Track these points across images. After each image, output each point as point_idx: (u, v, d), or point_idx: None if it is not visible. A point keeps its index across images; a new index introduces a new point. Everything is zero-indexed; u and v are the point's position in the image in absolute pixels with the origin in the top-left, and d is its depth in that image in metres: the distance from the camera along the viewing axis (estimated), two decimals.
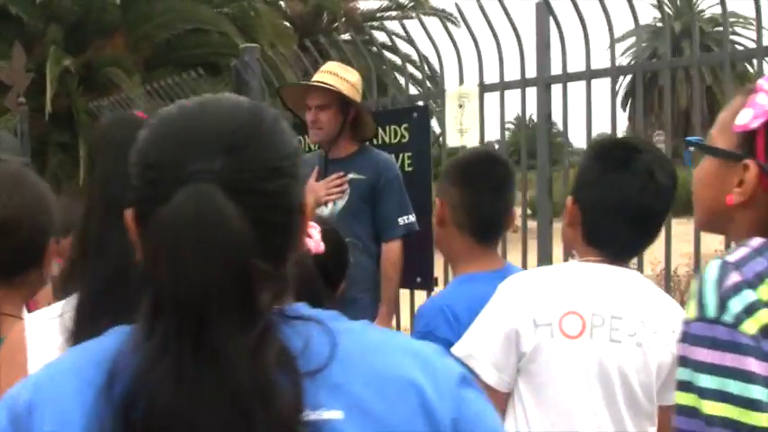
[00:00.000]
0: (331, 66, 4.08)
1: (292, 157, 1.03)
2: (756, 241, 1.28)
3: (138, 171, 0.99)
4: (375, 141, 4.66)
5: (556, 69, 3.83)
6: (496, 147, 4.46)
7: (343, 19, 24.61)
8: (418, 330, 2.19)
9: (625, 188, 1.95)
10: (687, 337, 1.26)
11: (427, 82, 4.46)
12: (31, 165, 10.54)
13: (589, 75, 3.69)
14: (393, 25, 24.05)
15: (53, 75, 12.83)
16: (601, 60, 3.69)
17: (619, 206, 1.96)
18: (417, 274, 4.25)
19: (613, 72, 3.63)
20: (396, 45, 5.32)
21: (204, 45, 14.08)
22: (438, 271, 4.32)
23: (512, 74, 4.07)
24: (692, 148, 1.52)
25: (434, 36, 4.52)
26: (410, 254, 4.09)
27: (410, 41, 4.89)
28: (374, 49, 5.52)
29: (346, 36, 19.23)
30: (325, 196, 3.91)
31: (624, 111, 39.17)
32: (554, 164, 4.95)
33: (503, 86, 4.13)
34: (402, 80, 7.23)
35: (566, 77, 3.77)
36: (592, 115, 3.66)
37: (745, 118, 1.34)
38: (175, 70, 10.97)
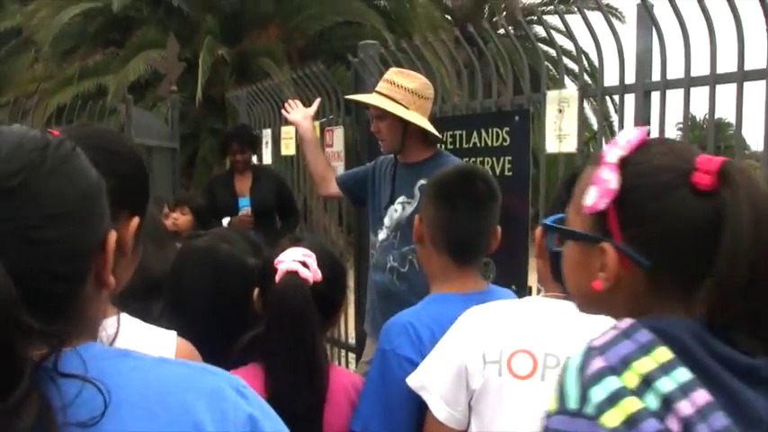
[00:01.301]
0: (390, 74, 4.00)
1: (83, 198, 0.97)
2: (626, 322, 1.14)
3: None
4: (477, 144, 4.59)
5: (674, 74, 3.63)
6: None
7: (504, 13, 24.36)
8: (382, 348, 2.12)
9: None
10: None
11: (585, 76, 4.20)
12: (179, 149, 10.97)
13: (688, 82, 3.50)
14: (555, 20, 23.63)
15: (206, 64, 13.29)
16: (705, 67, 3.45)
17: None
18: (512, 281, 4.14)
19: (711, 80, 3.41)
20: (553, 40, 5.00)
21: (356, 37, 14.10)
22: (533, 280, 4.21)
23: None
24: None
25: (597, 31, 4.13)
26: (506, 261, 4.01)
27: (570, 36, 4.61)
28: (529, 44, 5.29)
29: (508, 30, 18.99)
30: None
31: None
32: None
33: (602, 92, 3.98)
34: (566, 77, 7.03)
35: (664, 84, 3.59)
36: (687, 123, 3.45)
37: (592, 198, 1.19)
38: (327, 61, 11.17)
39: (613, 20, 4.21)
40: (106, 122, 10.96)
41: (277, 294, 1.98)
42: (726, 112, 3.74)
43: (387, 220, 3.94)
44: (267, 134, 7.87)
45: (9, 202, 0.90)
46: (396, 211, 3.90)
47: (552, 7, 24.10)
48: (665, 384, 1.05)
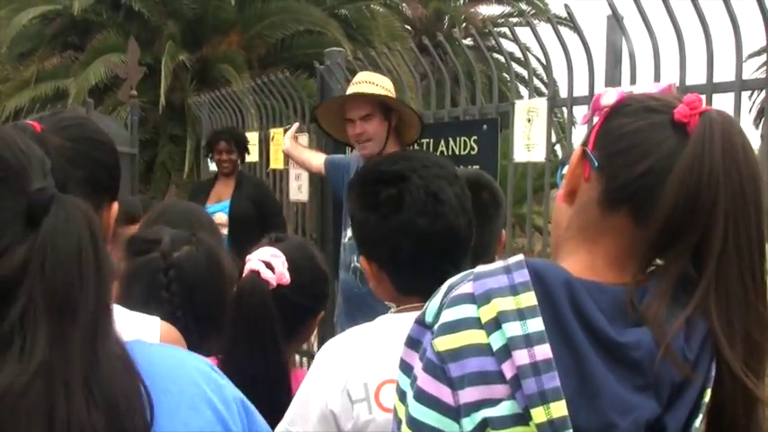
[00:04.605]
0: (365, 75, 4.01)
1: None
2: (516, 258, 1.14)
3: None
4: (444, 152, 4.59)
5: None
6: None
7: (464, 24, 24.48)
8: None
9: (409, 228, 1.67)
10: (405, 340, 1.20)
11: (543, 87, 4.26)
12: (139, 155, 10.84)
13: None
14: (523, 31, 23.98)
15: (167, 69, 13.17)
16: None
17: (414, 249, 1.67)
18: None
19: (681, 90, 3.45)
20: (525, 52, 5.05)
21: (317, 45, 14.10)
22: None
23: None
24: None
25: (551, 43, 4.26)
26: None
27: (527, 49, 4.72)
28: (496, 55, 5.33)
29: (467, 41, 19.14)
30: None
31: (756, 129, 37.62)
32: None
33: (571, 102, 4.00)
34: (521, 87, 7.15)
35: None
36: None
37: (587, 113, 1.25)
38: (288, 69, 11.13)
39: (570, 32, 4.28)
40: None
41: (237, 292, 1.95)
42: None
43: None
44: None
45: None
46: None
47: (519, 19, 24.31)
48: (512, 329, 1.06)
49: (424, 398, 1.10)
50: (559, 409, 1.02)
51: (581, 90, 3.92)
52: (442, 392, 1.09)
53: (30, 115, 9.51)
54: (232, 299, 1.97)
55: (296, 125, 5.29)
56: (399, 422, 1.15)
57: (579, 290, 1.09)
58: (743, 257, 1.10)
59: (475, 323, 1.09)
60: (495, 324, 1.07)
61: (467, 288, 1.12)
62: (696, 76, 3.41)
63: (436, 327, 1.11)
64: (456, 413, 1.08)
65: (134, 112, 10.74)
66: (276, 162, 6.73)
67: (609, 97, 1.19)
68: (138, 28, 14.48)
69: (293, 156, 5.07)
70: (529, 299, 1.08)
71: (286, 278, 1.95)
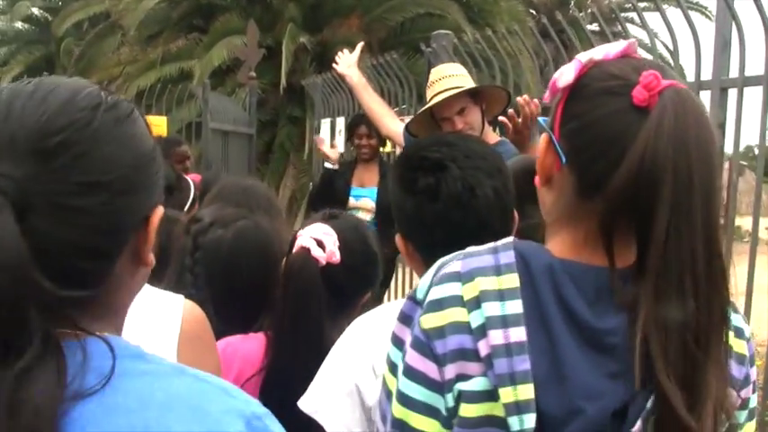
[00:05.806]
0: (442, 70, 3.94)
1: (131, 167, 0.89)
2: (505, 240, 1.17)
3: None
4: None
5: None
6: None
7: (590, 10, 24.00)
8: None
9: (442, 218, 1.63)
10: (398, 315, 1.21)
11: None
12: (259, 136, 11.03)
13: None
14: (633, 16, 23.50)
15: (288, 51, 13.37)
16: None
17: (447, 239, 1.58)
18: None
19: None
20: (653, 39, 4.80)
21: (437, 28, 14.04)
22: None
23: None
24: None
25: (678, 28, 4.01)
26: None
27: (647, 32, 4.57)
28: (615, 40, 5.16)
29: (592, 26, 18.76)
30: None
31: None
32: None
33: (698, 86, 3.82)
34: None
35: (743, 81, 3.45)
36: None
37: (548, 91, 1.19)
38: (407, 52, 11.14)
39: (699, 16, 4.09)
40: (186, 106, 11.13)
41: (286, 268, 1.96)
42: None
43: None
44: (341, 122, 7.88)
45: (45, 163, 0.83)
46: None
47: (631, 5, 23.66)
48: (491, 308, 1.07)
49: (411, 374, 1.13)
50: (526, 392, 1.04)
51: (706, 74, 3.71)
52: (429, 369, 1.11)
53: (155, 95, 9.80)
54: (282, 274, 1.99)
55: (360, 45, 4.66)
56: (389, 393, 1.17)
57: (562, 275, 1.10)
58: (684, 254, 1.04)
59: (458, 301, 1.10)
60: (476, 302, 1.09)
61: (455, 267, 1.14)
62: None
63: (425, 304, 1.13)
64: (441, 388, 1.10)
65: (252, 94, 10.98)
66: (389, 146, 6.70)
67: (566, 78, 1.14)
68: (260, 11, 14.75)
69: (358, 91, 4.46)
70: (511, 280, 1.09)
71: (336, 257, 1.93)
